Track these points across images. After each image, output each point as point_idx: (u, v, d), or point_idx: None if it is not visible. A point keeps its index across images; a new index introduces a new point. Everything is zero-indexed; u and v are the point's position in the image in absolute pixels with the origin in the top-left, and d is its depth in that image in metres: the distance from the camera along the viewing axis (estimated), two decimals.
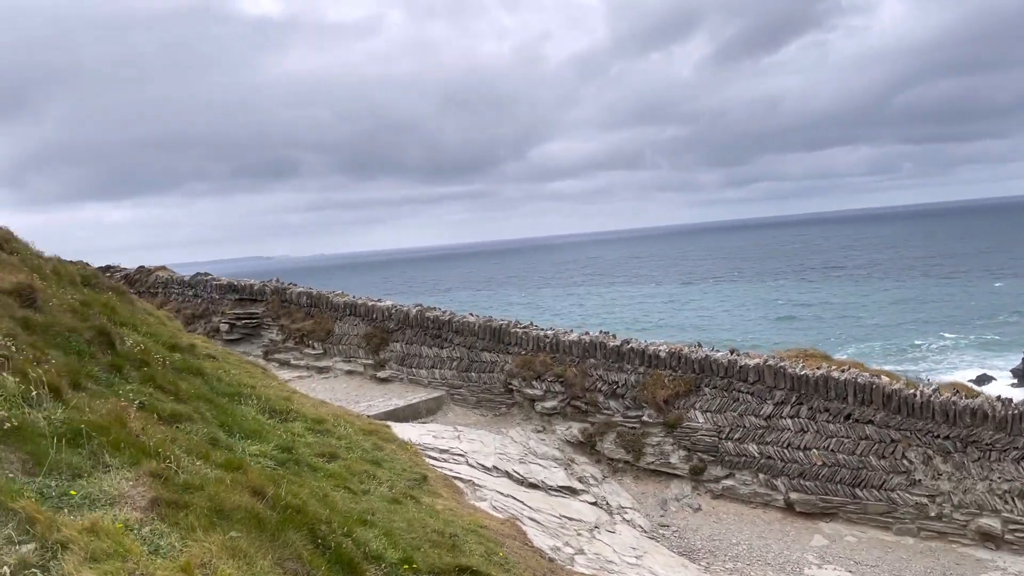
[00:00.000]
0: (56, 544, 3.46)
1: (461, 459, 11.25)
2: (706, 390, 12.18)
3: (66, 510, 3.91)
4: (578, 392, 12.82)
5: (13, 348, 5.29)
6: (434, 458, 10.90)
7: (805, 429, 11.33)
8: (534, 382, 13.09)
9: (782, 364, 11.65)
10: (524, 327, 13.80)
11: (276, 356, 15.31)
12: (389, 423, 11.71)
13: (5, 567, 3.29)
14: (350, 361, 14.91)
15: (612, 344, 12.80)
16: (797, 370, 11.45)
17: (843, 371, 11.34)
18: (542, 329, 13.70)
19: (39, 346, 6.01)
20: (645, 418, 12.37)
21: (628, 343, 12.82)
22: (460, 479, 10.39)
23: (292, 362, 15.14)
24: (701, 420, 12.08)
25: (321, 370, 14.91)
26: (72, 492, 4.07)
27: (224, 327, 15.53)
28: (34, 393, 4.83)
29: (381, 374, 14.56)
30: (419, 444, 11.08)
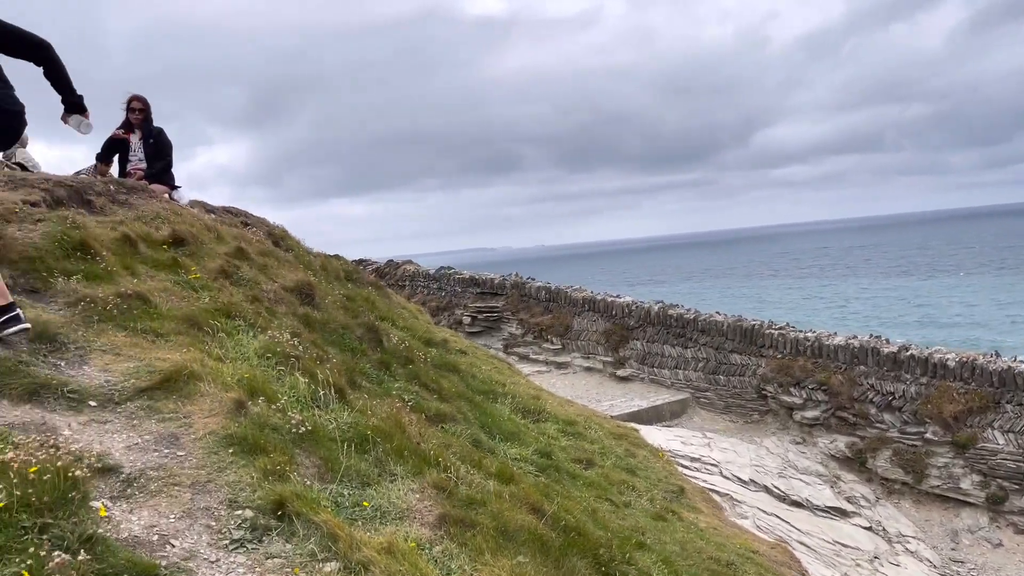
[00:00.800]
0: (358, 565, 3.26)
1: (714, 469, 10.46)
2: (1007, 407, 10.37)
3: (360, 523, 3.75)
4: (844, 402, 11.48)
5: (300, 348, 5.38)
6: (685, 467, 10.21)
7: None
8: (792, 389, 11.93)
9: None
10: (780, 328, 12.64)
11: (516, 350, 15.37)
12: (635, 425, 11.19)
13: None
14: (589, 358, 14.59)
15: (887, 350, 11.31)
16: None
17: None
18: (801, 331, 12.46)
19: (319, 344, 6.13)
20: (928, 435, 10.79)
21: (907, 349, 11.26)
22: (716, 492, 9.62)
23: (531, 356, 15.11)
24: (1001, 441, 10.29)
25: (560, 366, 14.73)
26: (364, 503, 3.92)
27: (466, 320, 15.86)
28: (321, 394, 4.83)
29: (621, 372, 14.08)
30: (668, 450, 10.43)
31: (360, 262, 18.79)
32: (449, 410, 6.58)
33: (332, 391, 4.91)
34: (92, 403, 3.75)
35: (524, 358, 15.08)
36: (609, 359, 14.19)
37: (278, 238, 9.89)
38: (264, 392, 4.37)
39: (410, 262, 18.11)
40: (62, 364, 4.06)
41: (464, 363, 9.44)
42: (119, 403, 3.84)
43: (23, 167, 12.75)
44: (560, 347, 14.85)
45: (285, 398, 4.48)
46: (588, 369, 14.50)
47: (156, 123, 8.69)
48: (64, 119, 4.95)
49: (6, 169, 12.91)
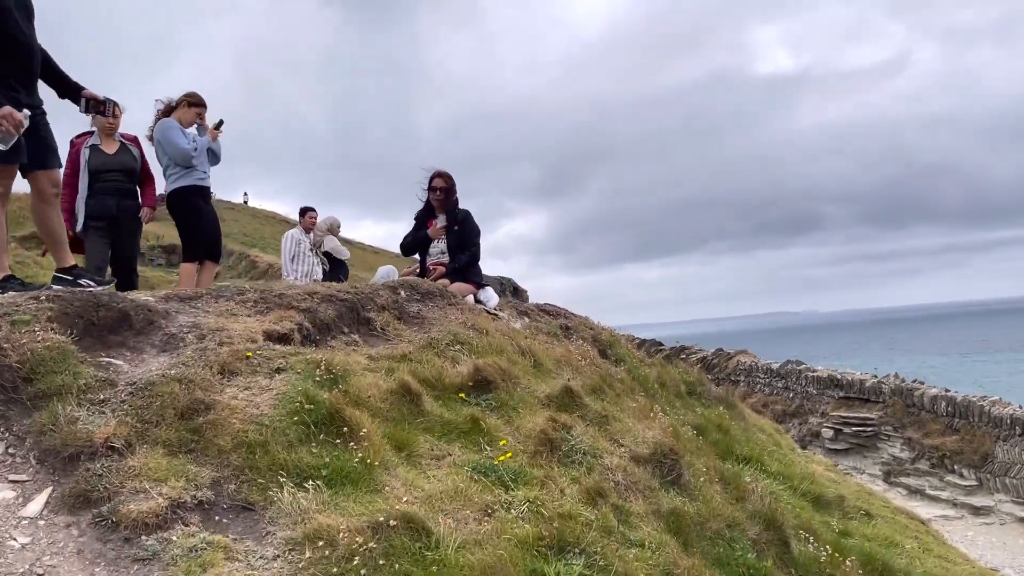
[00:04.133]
0: None
1: None
2: None
3: None
4: None
5: None
6: None
7: None
8: None
9: None
10: None
11: (902, 480, 11.41)
12: None
13: None
14: None
15: None
16: None
17: None
18: None
19: (697, 571, 3.46)
20: None
21: None
22: None
23: (928, 492, 11.05)
24: None
25: (977, 510, 10.49)
26: None
27: (827, 433, 12.25)
28: None
29: None
30: None
31: (682, 350, 16.04)
32: None
33: None
34: None
35: (917, 493, 11.07)
36: None
37: (605, 345, 7.51)
38: None
39: (745, 352, 14.93)
40: None
41: (881, 547, 6.17)
42: None
43: (331, 257, 12.08)
44: (975, 483, 10.63)
45: None
46: None
47: (461, 204, 6.88)
48: None
49: (313, 257, 12.33)
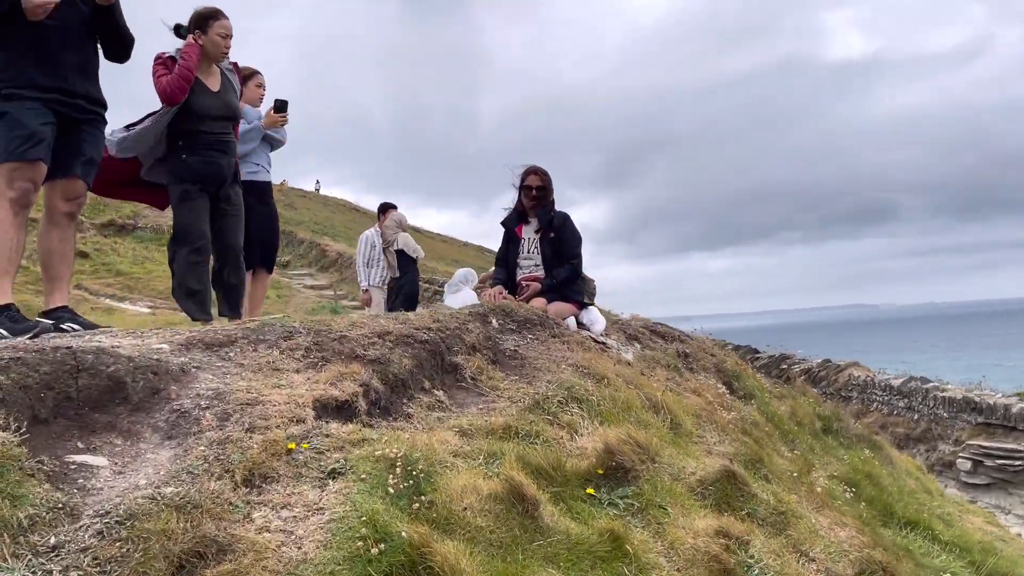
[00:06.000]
0: None
1: None
2: None
3: None
4: None
5: None
6: None
7: None
8: None
9: None
10: None
11: None
12: None
13: None
14: None
15: None
16: None
17: None
18: None
19: None
20: None
21: None
22: None
23: None
24: None
25: None
26: None
27: (963, 464, 10.62)
28: None
29: None
30: None
31: (781, 359, 14.51)
32: None
33: None
34: None
35: None
36: None
37: (731, 376, 6.21)
38: None
39: (857, 364, 13.30)
40: None
41: None
42: None
43: (404, 255, 11.00)
44: None
45: None
46: None
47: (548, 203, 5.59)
48: None
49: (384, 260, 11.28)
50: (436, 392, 3.33)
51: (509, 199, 5.70)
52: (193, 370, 2.81)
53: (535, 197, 5.51)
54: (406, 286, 10.20)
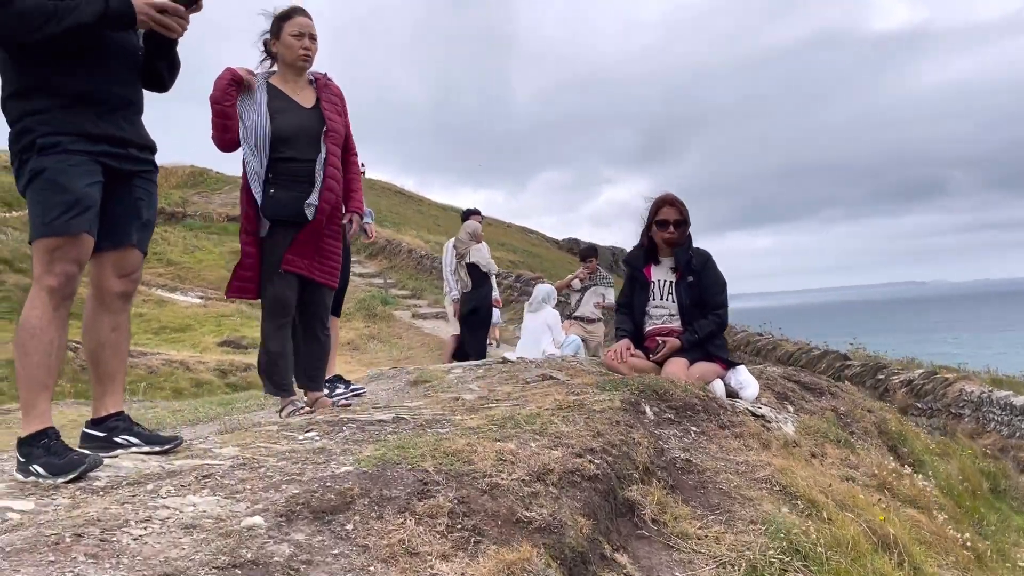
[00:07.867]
0: None
1: None
2: None
3: None
4: None
5: None
6: None
7: None
8: None
9: None
10: None
11: None
12: None
13: None
14: None
15: None
16: None
17: None
18: None
19: None
20: None
21: None
22: None
23: None
24: None
25: None
26: None
27: None
28: None
29: None
30: None
31: (877, 368, 13.33)
32: None
33: None
34: None
35: None
36: None
37: (894, 439, 5.18)
38: None
39: (968, 378, 12.07)
40: None
41: None
42: None
43: (476, 268, 10.06)
44: None
45: None
46: None
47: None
48: None
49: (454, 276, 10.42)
50: (618, 557, 2.42)
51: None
52: (302, 567, 1.93)
53: (672, 233, 4.54)
54: (473, 301, 9.39)
